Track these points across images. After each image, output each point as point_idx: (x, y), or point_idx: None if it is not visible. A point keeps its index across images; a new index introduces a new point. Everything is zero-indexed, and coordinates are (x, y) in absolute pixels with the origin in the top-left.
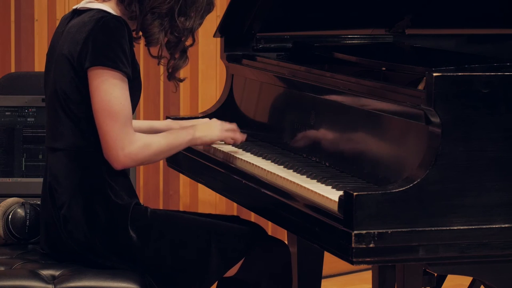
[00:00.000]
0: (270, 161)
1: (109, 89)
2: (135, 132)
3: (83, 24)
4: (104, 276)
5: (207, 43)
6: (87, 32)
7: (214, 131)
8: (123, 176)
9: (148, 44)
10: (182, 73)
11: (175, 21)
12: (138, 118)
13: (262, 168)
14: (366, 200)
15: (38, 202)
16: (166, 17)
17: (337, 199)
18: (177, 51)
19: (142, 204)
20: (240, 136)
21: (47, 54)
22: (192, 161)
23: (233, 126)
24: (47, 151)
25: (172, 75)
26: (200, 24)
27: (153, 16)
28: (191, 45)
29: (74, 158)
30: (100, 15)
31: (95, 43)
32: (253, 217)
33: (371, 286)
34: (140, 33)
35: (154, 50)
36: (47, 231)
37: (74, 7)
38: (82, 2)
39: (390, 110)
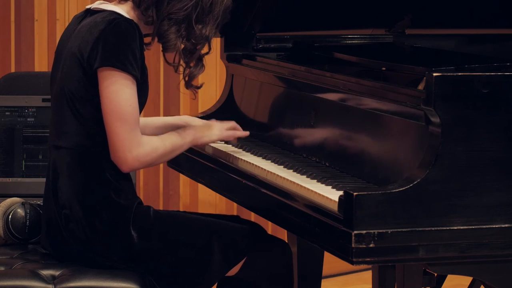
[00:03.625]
0: (270, 161)
1: (118, 91)
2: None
3: (95, 25)
4: (104, 276)
5: None
6: (98, 32)
7: (214, 131)
8: (126, 177)
9: (164, 50)
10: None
11: (192, 28)
12: None
13: (262, 168)
14: (366, 200)
15: (38, 202)
16: (183, 24)
17: (337, 199)
18: (193, 59)
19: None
20: (241, 133)
21: (55, 52)
22: (192, 161)
23: (233, 124)
24: (50, 149)
25: (189, 83)
26: (215, 33)
27: (170, 22)
28: (207, 53)
29: (77, 157)
30: (113, 17)
31: (105, 44)
32: (253, 217)
33: (371, 286)
34: (152, 40)
35: (170, 58)
36: (48, 229)
37: (87, 6)
38: (96, 2)
39: (390, 110)
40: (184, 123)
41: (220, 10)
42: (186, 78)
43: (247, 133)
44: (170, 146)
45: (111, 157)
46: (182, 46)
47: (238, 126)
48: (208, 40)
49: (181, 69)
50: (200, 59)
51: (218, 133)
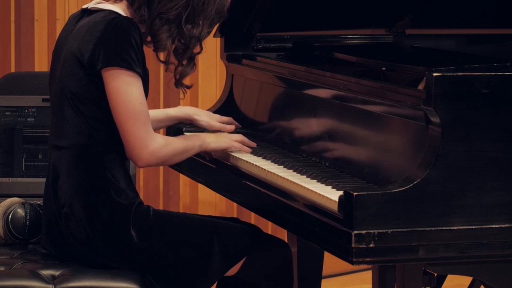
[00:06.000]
0: (270, 161)
1: (127, 90)
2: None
3: (95, 24)
4: (104, 276)
5: (207, 43)
6: (100, 32)
7: (223, 139)
8: (127, 176)
9: (155, 50)
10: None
11: (182, 28)
12: None
13: (262, 168)
14: (366, 200)
15: (38, 202)
16: (174, 23)
17: (337, 199)
18: (184, 58)
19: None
20: (248, 150)
21: (53, 52)
22: (192, 161)
23: (242, 137)
24: (50, 149)
25: (179, 82)
26: (209, 33)
27: (161, 22)
28: (199, 52)
29: (78, 156)
30: (112, 16)
31: (108, 44)
32: (253, 217)
33: (371, 286)
34: (145, 38)
35: (162, 56)
36: (48, 229)
37: (84, 6)
38: (92, 2)
39: (390, 110)
40: (186, 115)
41: (213, 10)
42: (177, 77)
43: (254, 144)
44: (181, 145)
45: (126, 154)
46: (173, 46)
47: (246, 140)
48: (199, 40)
49: (172, 67)
50: (191, 58)
51: (227, 141)
